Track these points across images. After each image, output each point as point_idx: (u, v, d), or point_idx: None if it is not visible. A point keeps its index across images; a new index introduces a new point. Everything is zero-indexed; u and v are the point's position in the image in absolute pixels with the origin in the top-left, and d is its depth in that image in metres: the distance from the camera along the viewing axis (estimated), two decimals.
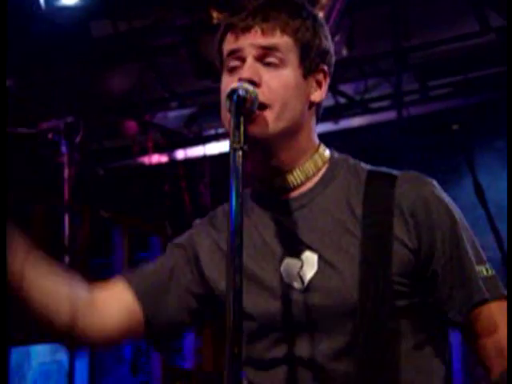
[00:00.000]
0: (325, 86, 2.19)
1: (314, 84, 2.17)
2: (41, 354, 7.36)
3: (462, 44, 6.21)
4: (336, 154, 2.22)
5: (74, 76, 6.69)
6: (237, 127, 1.93)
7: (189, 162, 7.63)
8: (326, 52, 2.16)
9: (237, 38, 2.12)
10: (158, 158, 7.66)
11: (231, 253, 1.89)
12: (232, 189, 1.89)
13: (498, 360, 2.05)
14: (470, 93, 6.63)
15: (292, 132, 2.14)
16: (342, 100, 6.98)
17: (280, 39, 2.11)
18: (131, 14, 6.20)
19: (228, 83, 2.09)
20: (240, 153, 1.90)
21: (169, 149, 7.62)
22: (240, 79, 2.04)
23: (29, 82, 6.83)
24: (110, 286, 2.23)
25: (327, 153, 2.20)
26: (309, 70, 2.14)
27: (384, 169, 2.20)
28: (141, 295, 2.21)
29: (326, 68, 2.17)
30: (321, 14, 5.71)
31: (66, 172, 7.13)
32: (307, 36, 2.13)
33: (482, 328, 2.11)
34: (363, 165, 2.21)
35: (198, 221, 2.36)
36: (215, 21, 5.59)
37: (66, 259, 7.04)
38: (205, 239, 2.29)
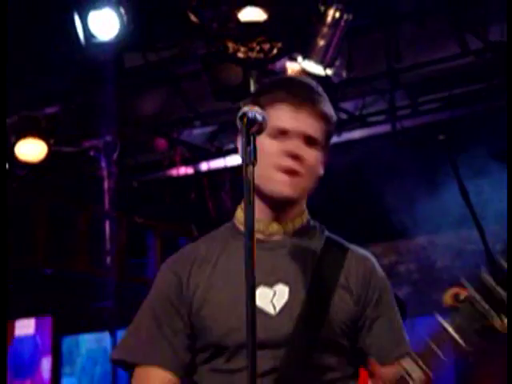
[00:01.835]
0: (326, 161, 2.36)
1: (324, 160, 2.33)
2: (88, 342, 7.46)
3: (446, 65, 6.18)
4: (308, 214, 2.38)
5: (111, 101, 6.68)
6: (248, 144, 1.95)
7: (212, 172, 7.54)
8: (332, 136, 2.35)
9: (289, 116, 2.24)
10: (184, 170, 7.61)
11: (246, 253, 1.92)
12: (246, 198, 1.94)
13: None
14: (455, 107, 6.60)
15: (302, 198, 2.32)
16: (344, 116, 6.91)
17: (318, 127, 2.26)
18: (159, 47, 6.24)
19: (273, 147, 2.22)
20: (251, 168, 1.94)
21: (194, 162, 7.54)
22: (285, 151, 2.20)
23: (72, 106, 6.86)
24: None
25: (306, 213, 2.36)
26: (326, 153, 2.33)
27: (336, 237, 2.37)
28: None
29: (328, 147, 2.35)
30: (322, 42, 5.79)
31: (106, 184, 7.20)
32: (332, 128, 2.33)
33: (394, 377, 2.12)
34: (323, 228, 2.38)
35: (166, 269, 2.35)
36: (230, 51, 5.63)
37: (108, 260, 7.13)
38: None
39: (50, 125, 6.81)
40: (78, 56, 5.73)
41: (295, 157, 2.21)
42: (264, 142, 2.20)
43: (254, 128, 1.97)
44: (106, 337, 6.95)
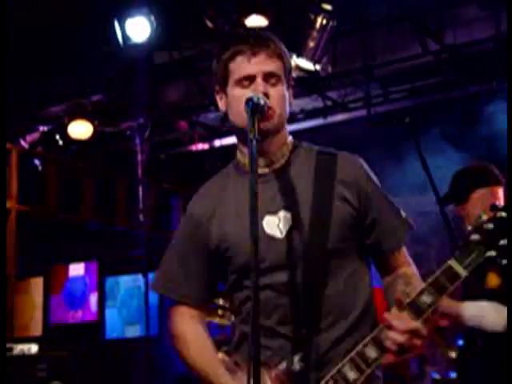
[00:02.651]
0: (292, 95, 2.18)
1: (290, 94, 2.15)
2: (126, 282, 7.37)
3: (410, 62, 6.13)
4: (294, 139, 2.20)
5: (143, 90, 6.67)
6: (252, 124, 1.91)
7: (223, 148, 7.44)
8: (291, 73, 2.17)
9: (248, 62, 2.06)
10: (201, 146, 7.61)
11: (252, 214, 1.83)
12: (252, 166, 1.89)
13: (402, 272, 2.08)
14: (417, 96, 6.53)
15: (282, 125, 2.12)
16: (329, 102, 6.87)
17: (278, 65, 2.08)
18: (181, 47, 6.20)
19: (242, 94, 2.04)
20: (254, 142, 1.89)
21: (209, 139, 7.56)
22: (255, 91, 2.02)
23: (113, 95, 6.79)
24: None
25: (290, 138, 2.18)
26: (289, 85, 2.13)
27: (327, 148, 2.18)
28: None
29: (292, 83, 2.17)
30: (312, 43, 5.82)
31: (139, 157, 7.15)
32: (289, 62, 2.13)
33: (398, 260, 2.13)
34: (313, 145, 2.20)
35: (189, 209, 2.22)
36: None
37: (141, 217, 7.13)
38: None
39: (95, 110, 6.76)
40: (118, 55, 5.73)
41: (263, 95, 2.03)
42: (236, 93, 2.08)
43: (258, 109, 1.95)
44: (139, 278, 6.91)
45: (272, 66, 2.07)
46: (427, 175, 4.13)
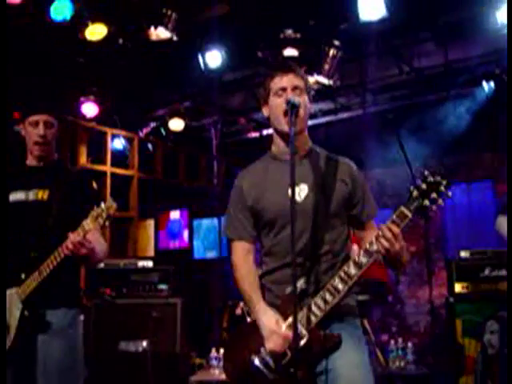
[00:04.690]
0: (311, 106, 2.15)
1: (310, 104, 2.13)
2: (206, 223, 7.22)
3: (391, 79, 6.10)
4: (312, 144, 2.17)
5: (216, 98, 6.71)
6: (291, 118, 1.92)
7: (269, 136, 7.52)
8: (310, 90, 2.15)
9: (281, 80, 2.06)
10: (254, 135, 7.45)
11: (290, 170, 1.84)
12: (291, 147, 1.89)
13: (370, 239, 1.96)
14: (396, 101, 6.44)
15: (303, 129, 2.12)
16: (338, 105, 6.89)
17: (301, 82, 2.08)
18: (240, 69, 6.10)
19: (279, 101, 2.04)
20: (293, 130, 1.90)
21: (259, 130, 7.38)
22: (286, 100, 2.00)
23: (197, 102, 6.80)
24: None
25: (310, 142, 2.16)
26: (308, 97, 2.11)
27: (332, 154, 2.16)
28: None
29: (311, 96, 2.15)
30: (327, 66, 5.81)
31: (214, 142, 7.27)
32: (308, 82, 2.14)
33: (370, 226, 2.12)
34: (322, 149, 2.18)
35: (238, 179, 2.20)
36: None
37: (215, 181, 7.17)
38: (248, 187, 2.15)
39: (186, 111, 6.80)
40: (200, 76, 5.68)
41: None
42: (273, 100, 2.08)
43: (295, 108, 1.95)
44: (215, 220, 7.00)
45: (297, 82, 2.07)
46: (403, 154, 4.15)
